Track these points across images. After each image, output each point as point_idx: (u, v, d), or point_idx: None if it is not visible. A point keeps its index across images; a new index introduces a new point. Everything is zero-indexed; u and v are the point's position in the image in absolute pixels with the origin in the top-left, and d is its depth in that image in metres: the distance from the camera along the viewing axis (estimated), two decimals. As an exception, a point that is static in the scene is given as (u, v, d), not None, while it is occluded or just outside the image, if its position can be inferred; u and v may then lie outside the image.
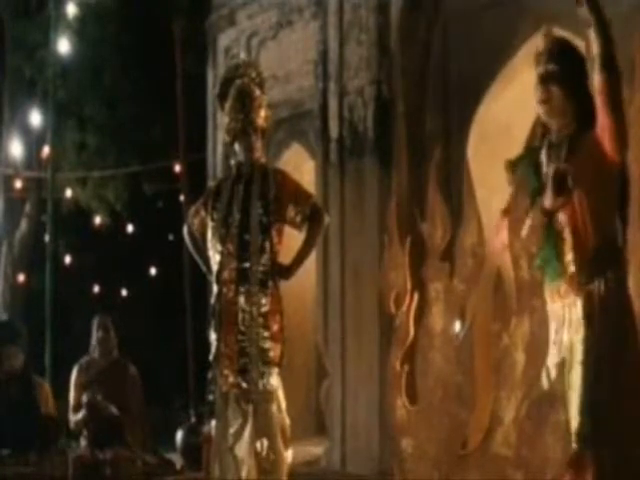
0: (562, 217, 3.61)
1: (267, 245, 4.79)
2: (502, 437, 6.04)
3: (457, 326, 6.32)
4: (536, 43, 6.48)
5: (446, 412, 6.31)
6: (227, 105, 4.96)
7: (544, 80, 3.58)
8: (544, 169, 3.68)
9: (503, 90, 7.05)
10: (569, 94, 3.56)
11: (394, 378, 6.57)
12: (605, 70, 3.43)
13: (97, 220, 14.63)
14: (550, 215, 3.62)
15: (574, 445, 3.55)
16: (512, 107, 7.03)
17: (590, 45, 3.48)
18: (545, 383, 3.70)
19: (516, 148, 7.16)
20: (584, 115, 3.56)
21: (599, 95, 3.46)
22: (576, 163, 3.55)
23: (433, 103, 7.45)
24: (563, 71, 3.56)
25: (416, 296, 6.51)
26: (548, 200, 3.61)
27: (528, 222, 4.02)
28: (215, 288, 4.88)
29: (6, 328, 7.66)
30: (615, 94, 3.46)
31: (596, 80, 3.46)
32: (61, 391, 7.45)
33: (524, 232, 4.13)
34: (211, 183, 7.28)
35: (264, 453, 4.73)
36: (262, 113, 4.93)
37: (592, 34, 3.45)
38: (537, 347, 5.75)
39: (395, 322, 6.63)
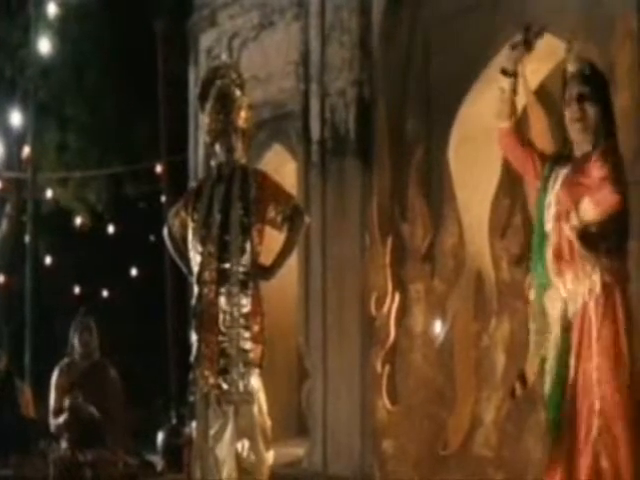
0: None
1: (248, 246, 4.80)
2: (483, 438, 6.07)
3: (438, 327, 6.34)
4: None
5: (427, 413, 6.33)
6: (208, 106, 4.96)
7: (578, 100, 3.87)
8: (552, 184, 3.91)
9: (484, 92, 7.07)
10: (601, 112, 3.87)
11: (375, 379, 6.59)
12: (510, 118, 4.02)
13: (78, 221, 14.59)
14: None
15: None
16: (493, 109, 7.05)
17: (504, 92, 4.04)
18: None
19: (496, 150, 7.20)
20: (608, 132, 3.88)
21: (501, 140, 4.08)
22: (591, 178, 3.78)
23: (414, 105, 7.46)
24: (595, 91, 3.88)
25: (397, 297, 6.53)
26: (574, 222, 3.80)
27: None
28: (196, 289, 4.88)
29: (-12, 331, 7.64)
30: (520, 134, 4.05)
31: (501, 125, 4.05)
32: (42, 392, 7.42)
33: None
34: (192, 184, 7.28)
35: (245, 454, 4.74)
36: (242, 114, 4.94)
37: (509, 84, 4.02)
38: (517, 348, 5.78)
39: (376, 323, 6.65)
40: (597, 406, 3.70)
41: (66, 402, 6.91)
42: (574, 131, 3.90)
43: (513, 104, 4.09)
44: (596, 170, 3.77)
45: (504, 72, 4.06)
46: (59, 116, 13.74)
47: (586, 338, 3.77)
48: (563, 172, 3.91)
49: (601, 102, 3.88)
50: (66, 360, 7.24)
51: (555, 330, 3.87)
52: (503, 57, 4.15)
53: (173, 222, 5.10)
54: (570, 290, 3.82)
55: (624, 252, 3.85)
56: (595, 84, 3.88)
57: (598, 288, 3.76)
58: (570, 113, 3.88)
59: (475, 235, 6.57)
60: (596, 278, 3.76)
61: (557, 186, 3.89)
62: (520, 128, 4.14)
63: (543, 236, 3.92)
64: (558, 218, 3.85)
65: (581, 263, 3.78)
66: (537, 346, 3.92)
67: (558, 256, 3.85)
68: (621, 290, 3.78)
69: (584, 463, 3.69)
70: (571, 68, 3.93)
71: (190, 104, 9.63)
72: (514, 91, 4.07)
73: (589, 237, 3.75)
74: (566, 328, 3.84)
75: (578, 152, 3.91)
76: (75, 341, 7.22)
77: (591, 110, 3.85)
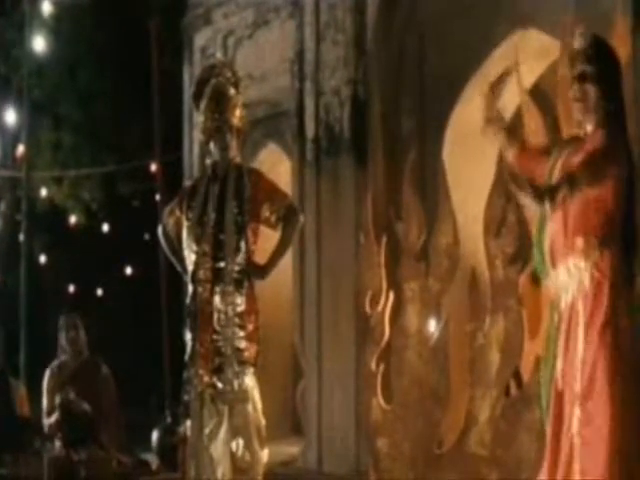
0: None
1: (242, 245, 4.80)
2: (477, 436, 6.07)
3: (432, 325, 6.34)
4: (512, 43, 6.54)
5: (421, 411, 6.33)
6: (202, 105, 4.97)
7: (580, 79, 3.74)
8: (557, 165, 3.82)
9: (478, 91, 7.07)
10: (603, 94, 3.72)
11: (370, 378, 6.59)
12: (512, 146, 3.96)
13: (72, 219, 14.58)
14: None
15: None
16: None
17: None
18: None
19: (491, 149, 7.21)
20: (613, 114, 3.73)
21: (518, 166, 3.97)
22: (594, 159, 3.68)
23: (409, 103, 7.46)
24: (599, 72, 3.72)
25: (391, 296, 6.53)
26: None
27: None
28: (190, 288, 4.88)
29: (-18, 330, 7.62)
30: (527, 151, 3.97)
31: (508, 156, 3.96)
32: (36, 391, 7.41)
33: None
34: (187, 183, 7.27)
35: (240, 453, 4.74)
36: (237, 112, 4.94)
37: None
38: (511, 347, 5.79)
39: (371, 321, 6.65)
40: (579, 406, 3.60)
41: (57, 400, 6.90)
42: (575, 111, 3.79)
43: (507, 131, 3.99)
44: (578, 157, 3.67)
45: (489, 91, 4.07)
46: (53, 115, 13.74)
47: (573, 334, 3.68)
48: (566, 152, 3.79)
49: (606, 82, 3.72)
50: (56, 362, 7.21)
51: (547, 327, 3.83)
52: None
53: (168, 221, 5.10)
54: (563, 283, 3.73)
55: (626, 247, 3.70)
56: (600, 63, 3.72)
57: (587, 282, 3.65)
58: (572, 93, 3.76)
59: (470, 234, 6.57)
60: (586, 272, 3.66)
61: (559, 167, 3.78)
62: (524, 146, 4.01)
63: (544, 221, 3.81)
64: None
65: (573, 256, 3.68)
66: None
67: (552, 246, 3.75)
68: (610, 286, 3.64)
69: (565, 460, 3.65)
70: (577, 45, 3.78)
71: (185, 103, 9.62)
72: (501, 119, 4.02)
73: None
74: (557, 326, 3.78)
75: (582, 133, 3.80)
76: (62, 340, 7.19)
77: (592, 90, 3.70)
